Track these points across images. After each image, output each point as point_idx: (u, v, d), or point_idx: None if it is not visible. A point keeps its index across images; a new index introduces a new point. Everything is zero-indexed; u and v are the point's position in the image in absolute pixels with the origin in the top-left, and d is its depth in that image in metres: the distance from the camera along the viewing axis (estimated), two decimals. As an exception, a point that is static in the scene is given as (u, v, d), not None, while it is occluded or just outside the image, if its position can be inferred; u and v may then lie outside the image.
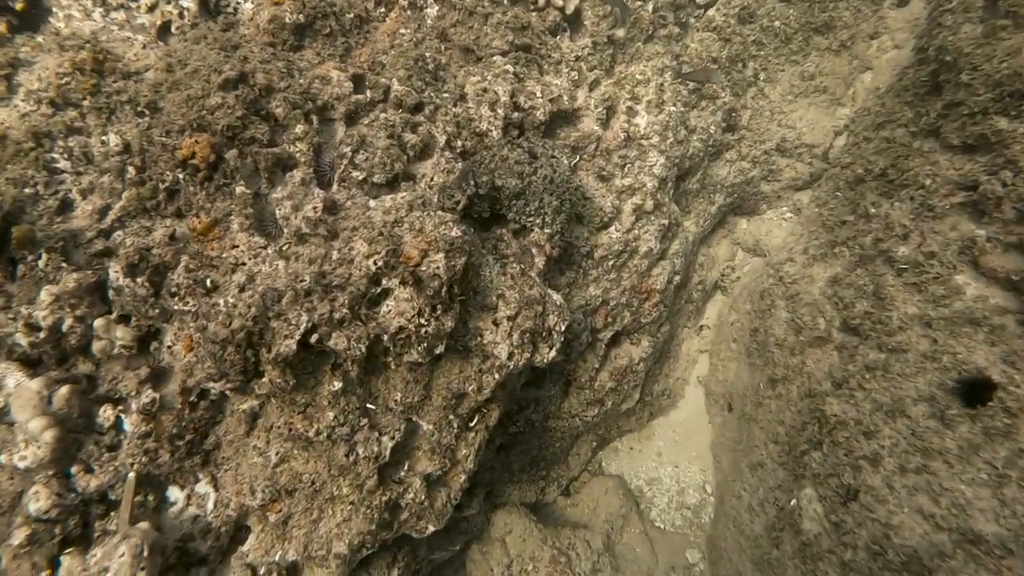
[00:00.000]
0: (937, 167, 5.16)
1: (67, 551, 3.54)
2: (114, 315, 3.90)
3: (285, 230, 4.05)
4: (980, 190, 4.71)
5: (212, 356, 3.60)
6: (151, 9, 5.06)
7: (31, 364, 3.80)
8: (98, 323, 3.82)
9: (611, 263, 5.92)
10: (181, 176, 3.94)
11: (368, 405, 4.24)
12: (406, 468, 4.43)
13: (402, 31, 5.55)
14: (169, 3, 5.05)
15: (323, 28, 5.13)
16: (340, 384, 4.01)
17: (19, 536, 3.47)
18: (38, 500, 3.53)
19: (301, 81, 4.57)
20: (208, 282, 3.84)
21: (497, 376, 4.60)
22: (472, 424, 4.79)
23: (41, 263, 3.86)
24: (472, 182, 4.50)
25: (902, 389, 4.81)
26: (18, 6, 4.93)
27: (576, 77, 6.14)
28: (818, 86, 7.80)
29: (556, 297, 5.02)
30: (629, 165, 6.11)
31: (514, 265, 4.89)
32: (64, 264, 3.91)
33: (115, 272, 3.77)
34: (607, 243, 5.84)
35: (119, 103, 4.32)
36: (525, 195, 4.74)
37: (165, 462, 3.84)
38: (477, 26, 5.70)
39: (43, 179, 4.16)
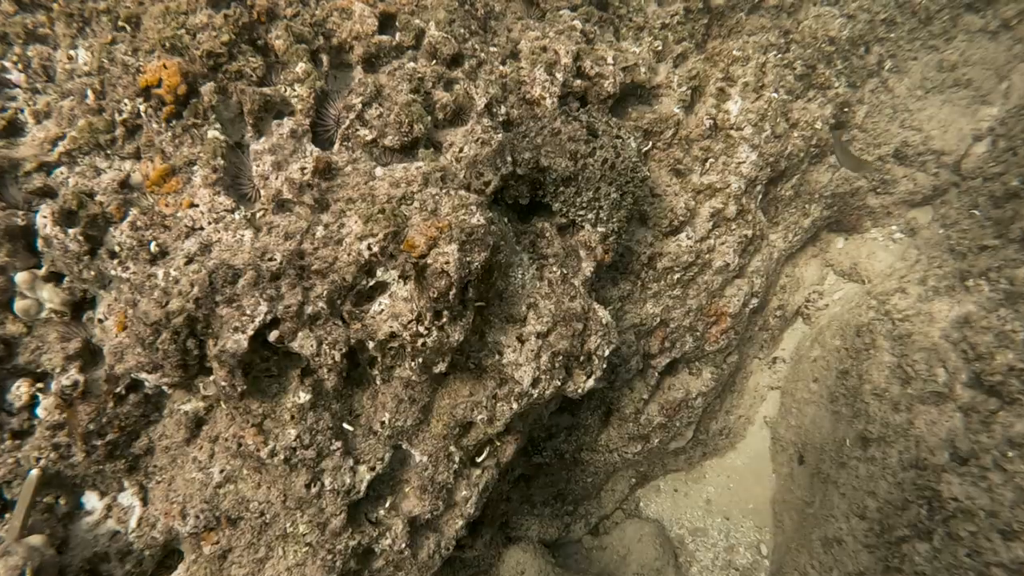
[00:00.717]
0: None
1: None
2: (43, 270, 3.14)
3: (262, 192, 3.18)
4: None
5: (141, 342, 2.78)
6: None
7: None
8: (21, 277, 3.07)
9: (677, 277, 4.84)
10: (142, 108, 3.13)
11: (345, 424, 3.36)
12: (387, 506, 3.54)
13: (456, -28, 4.60)
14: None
15: (359, -42, 4.22)
16: (309, 396, 3.14)
17: None
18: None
19: (317, 12, 3.69)
20: (154, 245, 3.02)
21: (515, 406, 3.65)
22: (480, 460, 3.86)
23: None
24: (510, 158, 3.53)
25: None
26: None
27: (660, 48, 5.04)
28: (959, 79, 6.41)
29: (602, 313, 4.00)
30: (712, 160, 5.00)
31: (554, 268, 3.90)
32: (-8, 199, 3.17)
33: (43, 218, 2.99)
34: (675, 252, 4.75)
35: (95, 11, 3.54)
36: (577, 181, 3.74)
37: (80, 462, 3.07)
38: (546, -28, 4.69)
39: (-14, 90, 3.45)
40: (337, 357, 3.04)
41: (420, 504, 3.57)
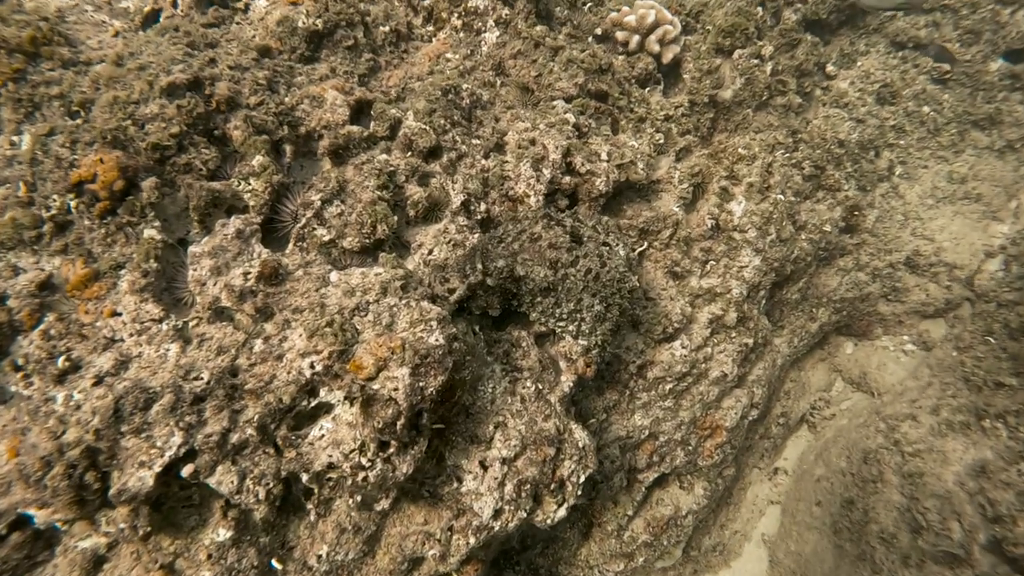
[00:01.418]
0: None
1: None
2: (-59, 380, 2.80)
3: (198, 299, 2.85)
4: None
5: (26, 477, 2.40)
6: (144, -8, 4.13)
7: None
8: (-85, 389, 2.72)
9: (669, 387, 4.44)
10: (72, 204, 2.83)
11: (273, 563, 2.93)
12: (318, 659, 3.06)
13: (448, 55, 4.40)
14: (166, -13, 4.10)
15: (345, 39, 4.03)
16: (230, 533, 2.73)
17: None
18: None
19: (287, 99, 3.45)
20: (63, 360, 2.66)
21: (472, 540, 3.22)
22: (431, 600, 3.39)
23: None
24: (480, 265, 3.20)
25: None
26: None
27: (662, 141, 4.79)
28: (969, 192, 6.16)
29: (580, 435, 3.60)
30: (713, 262, 4.67)
31: (528, 384, 3.52)
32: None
33: (-59, 323, 2.67)
34: (667, 361, 4.37)
35: (47, 96, 3.30)
36: (557, 292, 3.39)
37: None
38: (542, 60, 4.48)
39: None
40: (262, 494, 2.64)
41: (356, 657, 3.10)
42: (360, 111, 3.67)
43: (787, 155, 5.24)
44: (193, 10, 4.05)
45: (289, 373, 2.75)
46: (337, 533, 3.06)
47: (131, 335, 2.69)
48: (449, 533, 3.22)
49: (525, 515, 3.35)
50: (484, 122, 3.92)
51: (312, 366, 2.75)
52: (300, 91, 3.52)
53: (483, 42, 4.58)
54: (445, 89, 3.76)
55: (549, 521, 3.49)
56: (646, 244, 4.37)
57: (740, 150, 4.93)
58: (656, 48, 5.09)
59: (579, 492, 3.58)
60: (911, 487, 4.38)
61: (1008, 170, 6.20)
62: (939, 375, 5.14)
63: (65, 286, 2.80)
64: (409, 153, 3.52)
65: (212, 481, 2.54)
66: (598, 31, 5.12)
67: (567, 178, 3.88)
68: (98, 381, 2.53)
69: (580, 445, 3.58)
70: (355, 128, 3.42)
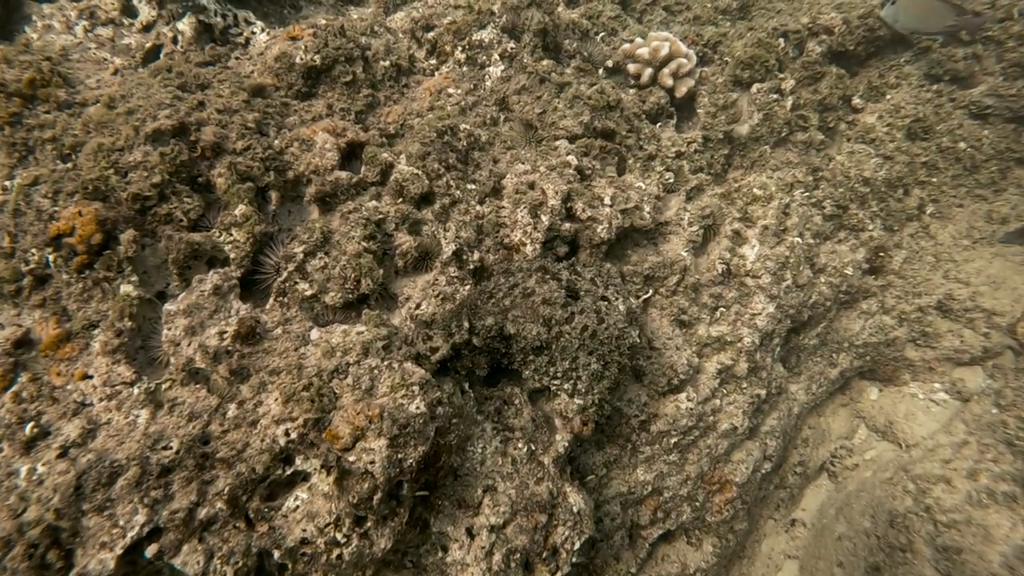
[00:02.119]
0: None
1: None
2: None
3: (172, 359, 2.75)
4: None
5: (-20, 554, 2.31)
6: (146, 29, 4.10)
7: None
8: None
9: (674, 441, 4.22)
10: (51, 257, 2.76)
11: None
12: None
13: (451, 91, 4.28)
14: (168, 24, 4.06)
15: (343, 75, 3.94)
16: (195, 609, 2.60)
17: None
18: None
19: (276, 142, 3.35)
20: (31, 427, 2.58)
21: (456, 616, 3.04)
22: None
23: None
24: (467, 323, 3.05)
25: None
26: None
27: (671, 180, 4.60)
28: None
29: (575, 499, 3.41)
30: (723, 309, 4.45)
31: (520, 444, 3.35)
32: None
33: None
34: (672, 414, 4.15)
35: (40, 140, 3.26)
36: (550, 351, 3.22)
37: None
38: (546, 97, 4.34)
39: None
40: (229, 574, 2.51)
41: None
42: (352, 154, 3.56)
43: (806, 194, 5.00)
44: (193, 46, 4.01)
45: (263, 441, 2.62)
46: (312, 602, 2.92)
47: (101, 399, 2.60)
48: (431, 604, 3.06)
49: (513, 585, 3.18)
50: (481, 164, 3.78)
51: (287, 433, 2.62)
52: (290, 133, 3.43)
53: (487, 76, 4.45)
54: (441, 131, 3.63)
55: (540, 590, 3.31)
56: (651, 291, 4.17)
57: (755, 190, 4.71)
58: (669, 82, 4.91)
59: (574, 559, 3.39)
60: (947, 563, 4.06)
61: (1052, 209, 5.85)
62: (977, 433, 4.81)
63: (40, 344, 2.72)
64: (400, 199, 3.39)
65: (177, 562, 2.42)
66: (609, 63, 4.96)
67: (567, 224, 3.72)
68: (63, 453, 2.44)
69: (575, 510, 3.39)
70: (343, 174, 3.31)
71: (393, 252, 3.30)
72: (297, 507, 2.65)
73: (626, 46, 4.98)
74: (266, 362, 2.81)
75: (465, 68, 4.45)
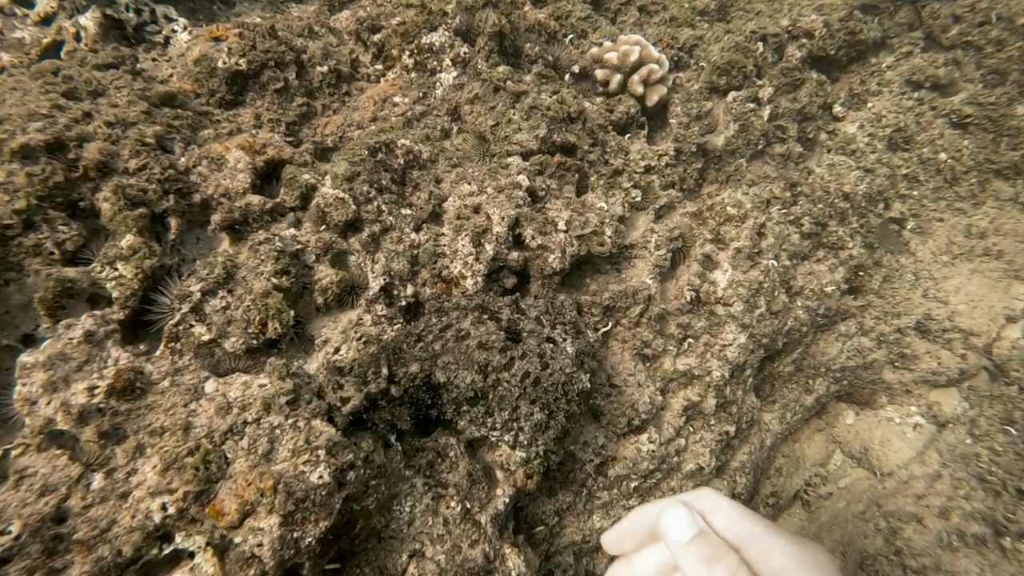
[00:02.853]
0: None
1: None
2: None
3: (27, 420, 2.34)
4: None
5: None
6: (45, 21, 3.63)
7: None
8: None
9: (634, 485, 3.88)
10: None
11: None
12: None
13: (396, 99, 3.88)
14: (72, 18, 3.61)
15: (274, 81, 3.52)
16: None
17: None
18: None
19: (182, 159, 2.93)
20: None
21: None
22: None
23: None
24: (385, 370, 2.66)
25: None
26: None
27: (639, 198, 4.23)
28: (989, 248, 5.54)
29: (515, 562, 3.05)
30: (692, 340, 4.10)
31: (453, 502, 2.98)
32: None
33: None
34: (633, 457, 3.81)
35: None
36: (487, 400, 2.85)
37: None
38: (501, 108, 3.94)
39: None
40: None
41: None
42: (273, 174, 3.15)
43: (784, 211, 4.66)
44: (99, 44, 3.56)
45: (134, 517, 2.23)
46: None
47: (-67, 473, 2.19)
48: None
49: (443, 663, 2.82)
50: (421, 185, 3.38)
51: (163, 508, 2.23)
52: (199, 150, 3.01)
53: (438, 84, 4.05)
54: (374, 148, 3.22)
55: (475, 664, 2.96)
56: (612, 323, 3.81)
57: (729, 208, 4.36)
58: (640, 89, 4.53)
59: (514, 627, 3.04)
60: (913, 613, 3.79)
61: (1033, 225, 5.58)
62: (950, 465, 4.54)
63: None
64: (323, 227, 2.99)
65: (12, 671, 2.02)
66: (576, 68, 4.56)
67: (515, 253, 3.34)
68: None
69: (514, 574, 3.03)
70: (256, 199, 2.89)
71: (312, 287, 2.90)
72: (178, 594, 2.27)
73: (594, 50, 4.58)
74: (148, 420, 2.41)
75: (414, 74, 4.03)
